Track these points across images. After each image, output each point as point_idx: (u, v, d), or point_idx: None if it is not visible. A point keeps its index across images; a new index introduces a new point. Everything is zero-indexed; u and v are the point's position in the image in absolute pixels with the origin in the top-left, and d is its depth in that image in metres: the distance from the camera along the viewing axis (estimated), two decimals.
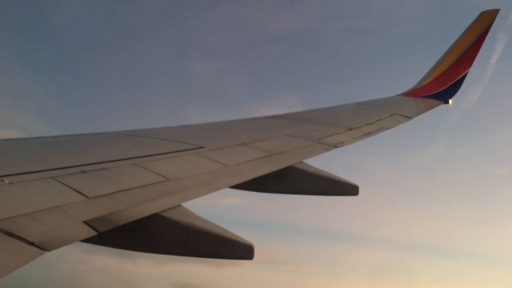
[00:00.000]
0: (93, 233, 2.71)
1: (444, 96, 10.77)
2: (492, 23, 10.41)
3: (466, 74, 10.85)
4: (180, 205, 3.44)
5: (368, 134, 7.12)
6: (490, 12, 10.48)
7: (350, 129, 7.08)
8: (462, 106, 20.37)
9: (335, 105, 9.47)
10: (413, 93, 11.05)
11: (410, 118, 8.71)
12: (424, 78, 11.39)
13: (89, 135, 5.25)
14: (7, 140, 4.62)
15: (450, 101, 10.75)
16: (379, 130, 7.50)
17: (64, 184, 3.16)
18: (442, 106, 10.65)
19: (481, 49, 10.63)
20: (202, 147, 4.80)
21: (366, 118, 7.97)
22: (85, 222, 2.74)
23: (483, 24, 10.49)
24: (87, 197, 3.04)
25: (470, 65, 10.80)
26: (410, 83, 11.66)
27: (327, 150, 5.90)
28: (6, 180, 3.01)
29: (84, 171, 3.52)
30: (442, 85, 10.91)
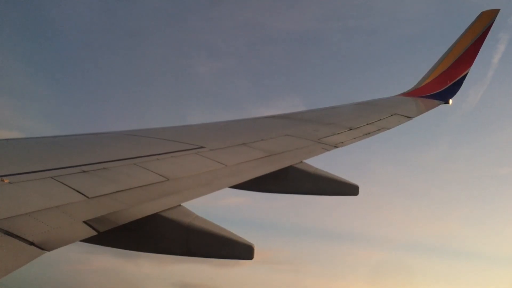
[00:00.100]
0: (93, 233, 2.71)
1: (444, 96, 10.77)
2: (493, 23, 10.41)
3: (466, 74, 10.84)
4: (180, 205, 3.44)
5: (368, 134, 7.12)
6: (490, 12, 10.47)
7: (350, 129, 7.07)
8: (464, 106, 20.40)
9: (335, 105, 9.47)
10: (413, 93, 11.05)
11: (410, 118, 8.70)
12: (424, 78, 11.39)
13: (89, 135, 5.25)
14: (7, 140, 4.62)
15: (450, 101, 10.75)
16: (379, 130, 7.50)
17: (64, 184, 3.16)
18: (443, 106, 10.66)
19: (482, 49, 10.63)
20: (202, 147, 4.80)
21: (366, 118, 7.97)
22: (85, 222, 2.74)
23: (484, 24, 10.49)
24: (87, 197, 3.04)
25: (470, 65, 10.80)
26: (410, 83, 11.67)
27: (327, 150, 5.89)
28: (6, 180, 3.01)
29: (84, 171, 3.52)
30: (442, 85, 10.90)
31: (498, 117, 24.13)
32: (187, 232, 3.24)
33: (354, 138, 6.69)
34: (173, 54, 30.02)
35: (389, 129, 7.76)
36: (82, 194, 3.07)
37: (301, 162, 5.20)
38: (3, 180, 3.00)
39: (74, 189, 3.11)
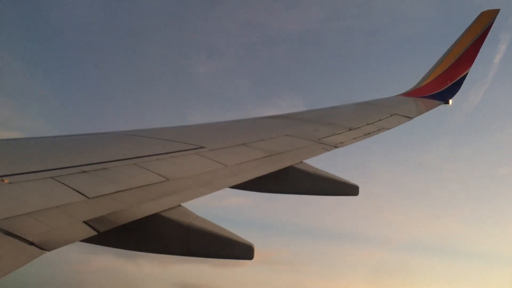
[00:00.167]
0: (93, 233, 2.71)
1: (444, 96, 10.77)
2: (493, 23, 10.41)
3: (466, 74, 10.85)
4: (180, 205, 3.44)
5: (368, 134, 7.12)
6: (490, 12, 10.48)
7: (350, 129, 7.08)
8: (465, 106, 20.38)
9: (335, 105, 9.47)
10: (413, 93, 11.05)
11: (410, 118, 8.71)
12: (424, 78, 11.39)
13: (89, 135, 5.25)
14: (7, 140, 4.62)
15: (450, 101, 10.76)
16: (379, 130, 7.50)
17: (64, 184, 3.16)
18: (443, 106, 10.66)
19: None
20: (202, 147, 4.80)
21: (366, 118, 7.97)
22: (85, 222, 2.74)
23: (484, 24, 10.49)
24: (87, 197, 3.04)
25: (470, 65, 10.80)
26: (410, 83, 11.68)
27: (327, 150, 5.90)
28: (6, 180, 3.01)
29: (84, 171, 3.52)
30: (442, 85, 10.91)
31: (499, 117, 24.12)
32: (187, 232, 3.24)
33: (354, 138, 6.69)
34: (173, 54, 30.03)
35: (389, 129, 7.77)
36: (82, 194, 3.07)
37: (301, 162, 5.20)
38: (3, 180, 3.00)
39: (74, 189, 3.11)
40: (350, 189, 5.02)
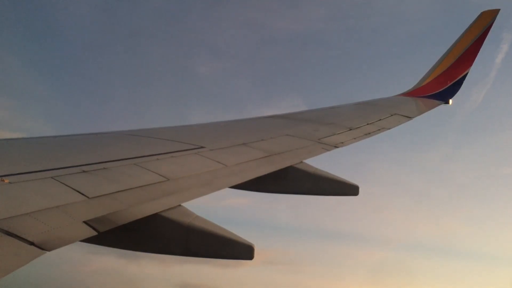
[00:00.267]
0: (93, 233, 2.71)
1: (444, 96, 10.77)
2: (493, 23, 10.41)
3: (467, 74, 10.85)
4: (180, 205, 3.44)
5: (368, 134, 7.12)
6: (491, 12, 10.47)
7: (350, 129, 7.07)
8: (467, 106, 20.37)
9: (335, 105, 9.47)
10: (413, 93, 11.05)
11: (411, 118, 8.71)
12: (424, 78, 11.39)
13: (89, 135, 5.25)
14: (7, 140, 4.62)
15: (451, 101, 10.76)
16: (379, 130, 7.50)
17: (64, 184, 3.16)
18: (443, 106, 10.66)
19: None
20: (202, 147, 4.80)
21: (366, 118, 7.97)
22: (85, 222, 2.74)
23: (484, 24, 10.49)
24: (87, 197, 3.05)
25: (470, 65, 10.80)
26: (410, 83, 11.68)
27: (327, 150, 5.89)
28: (6, 180, 3.01)
29: (84, 171, 3.52)
30: (442, 85, 10.91)
31: (501, 117, 24.09)
32: (187, 232, 3.24)
33: (354, 138, 6.70)
34: (174, 54, 30.03)
35: (389, 129, 7.77)
36: (82, 194, 3.07)
37: (301, 162, 5.21)
38: (3, 180, 3.00)
39: (74, 189, 3.11)
40: (350, 189, 5.02)
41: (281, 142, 5.83)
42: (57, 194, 2.99)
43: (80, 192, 3.08)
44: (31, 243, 2.36)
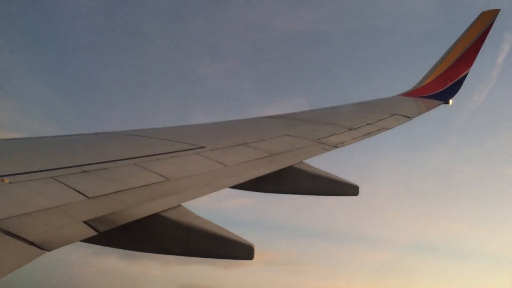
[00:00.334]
0: (93, 233, 2.71)
1: (444, 96, 10.78)
2: (493, 23, 10.42)
3: (467, 74, 10.85)
4: (180, 205, 3.44)
5: (368, 134, 7.13)
6: (491, 13, 10.48)
7: (350, 129, 7.08)
8: (469, 106, 20.35)
9: (335, 105, 9.47)
10: (413, 93, 11.06)
11: (411, 118, 8.71)
12: (424, 78, 11.40)
13: (89, 135, 5.25)
14: (7, 140, 4.62)
15: (451, 101, 10.76)
16: (379, 130, 7.50)
17: (65, 184, 3.16)
18: (444, 106, 10.67)
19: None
20: (202, 147, 4.80)
21: (366, 118, 7.98)
22: (85, 222, 2.74)
23: (484, 24, 10.50)
24: (87, 197, 3.05)
25: (471, 65, 10.81)
26: (410, 83, 11.68)
27: (327, 150, 5.90)
28: (6, 180, 3.02)
29: (84, 171, 3.52)
30: (443, 85, 10.91)
31: (503, 117, 24.04)
32: (187, 232, 3.25)
33: (354, 138, 6.70)
34: (179, 55, 29.98)
35: (389, 129, 7.77)
36: (82, 194, 3.07)
37: (301, 162, 5.21)
38: (3, 180, 3.00)
39: (74, 189, 3.11)
40: (350, 189, 5.03)
41: (281, 142, 5.83)
42: (57, 194, 2.99)
43: (80, 192, 3.08)
44: (31, 243, 2.36)
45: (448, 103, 10.71)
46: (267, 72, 29.69)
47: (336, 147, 6.12)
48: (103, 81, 27.39)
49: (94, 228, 2.73)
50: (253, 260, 3.26)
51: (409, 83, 11.64)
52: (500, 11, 10.43)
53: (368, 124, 7.65)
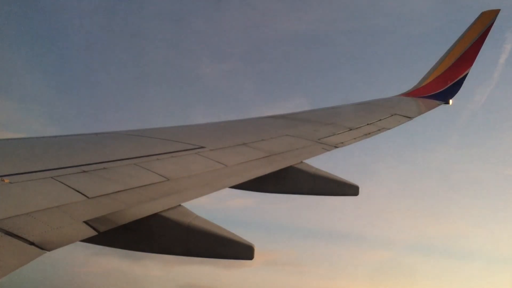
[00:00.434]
0: (93, 233, 2.71)
1: (444, 96, 10.78)
2: (493, 23, 10.42)
3: (467, 74, 10.85)
4: (180, 205, 3.44)
5: (368, 134, 7.13)
6: (491, 13, 10.48)
7: (351, 129, 7.08)
8: (470, 106, 20.33)
9: (335, 105, 9.47)
10: (413, 93, 11.06)
11: (411, 118, 8.71)
12: (424, 78, 11.40)
13: (89, 135, 5.25)
14: (7, 140, 4.62)
15: (451, 101, 10.76)
16: (379, 130, 7.50)
17: (65, 184, 3.16)
18: (445, 106, 10.67)
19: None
20: (202, 147, 4.80)
21: (366, 118, 7.98)
22: (85, 222, 2.74)
23: (484, 25, 10.49)
24: (88, 197, 3.05)
25: (471, 65, 10.81)
26: (410, 83, 11.68)
27: (328, 150, 5.90)
28: (6, 180, 3.02)
29: (84, 171, 3.52)
30: (443, 85, 10.91)
31: (505, 117, 24.00)
32: (187, 232, 3.25)
33: (354, 138, 6.70)
34: (178, 56, 29.97)
35: (389, 129, 7.77)
36: (82, 194, 3.07)
37: (301, 162, 5.21)
38: (3, 180, 3.00)
39: (74, 189, 3.11)
40: (350, 189, 5.03)
41: (281, 142, 5.83)
42: (57, 194, 2.99)
43: (80, 192, 3.08)
44: (31, 243, 2.36)
45: (448, 103, 10.71)
46: (267, 72, 29.70)
47: (336, 147, 6.12)
48: (103, 81, 27.39)
49: (94, 228, 2.73)
50: (253, 260, 3.26)
51: (409, 83, 11.66)
52: (501, 11, 10.43)
53: (368, 124, 7.65)
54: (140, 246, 3.37)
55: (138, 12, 28.77)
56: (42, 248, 2.35)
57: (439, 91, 10.87)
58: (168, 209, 3.31)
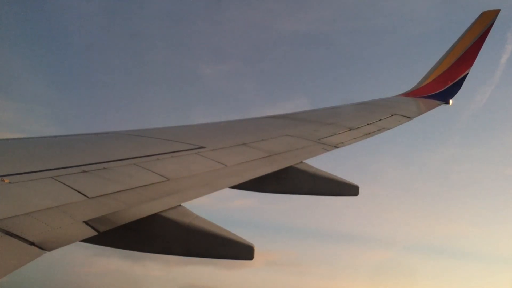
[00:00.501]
0: (94, 233, 2.71)
1: (444, 96, 10.78)
2: (493, 23, 10.42)
3: (467, 74, 10.85)
4: (180, 205, 3.44)
5: (368, 134, 7.13)
6: (491, 13, 10.48)
7: (351, 129, 7.08)
8: (472, 106, 20.31)
9: (335, 105, 9.47)
10: (413, 93, 11.06)
11: (411, 118, 8.71)
12: (424, 78, 11.40)
13: (89, 135, 5.25)
14: (7, 140, 4.62)
15: (451, 101, 10.76)
16: (379, 130, 7.50)
17: (65, 184, 3.16)
18: (445, 107, 10.67)
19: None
20: (202, 147, 4.80)
21: (367, 118, 7.98)
22: (85, 222, 2.74)
23: (484, 25, 10.50)
24: (88, 197, 3.05)
25: (471, 65, 10.81)
26: (410, 83, 11.68)
27: (328, 150, 5.90)
28: (6, 180, 3.02)
29: (84, 171, 3.52)
30: (443, 85, 10.91)
31: (506, 118, 23.96)
32: (187, 232, 3.25)
33: (355, 138, 6.70)
34: (178, 56, 29.94)
35: (389, 129, 7.77)
36: (83, 194, 3.07)
37: (301, 162, 5.21)
38: (3, 180, 3.00)
39: (75, 189, 3.11)
40: (350, 190, 5.03)
41: (281, 142, 5.83)
42: (57, 194, 2.99)
43: (80, 192, 3.08)
44: (31, 243, 2.36)
45: (448, 103, 10.71)
46: (268, 73, 29.69)
47: (336, 147, 6.12)
48: (103, 82, 27.39)
49: (94, 228, 2.73)
50: (253, 260, 3.26)
51: (409, 83, 11.66)
52: (502, 11, 10.43)
53: (368, 124, 7.65)
54: (140, 246, 3.38)
55: (139, 12, 28.78)
56: (42, 248, 2.35)
57: (439, 91, 10.87)
58: (168, 209, 3.31)
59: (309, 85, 28.47)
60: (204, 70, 29.83)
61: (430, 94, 10.87)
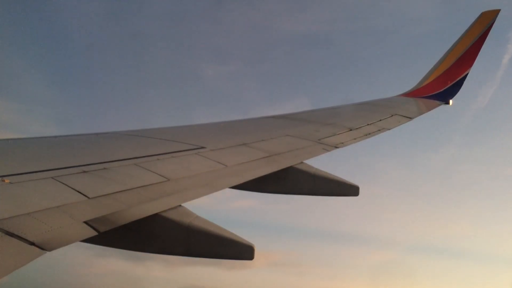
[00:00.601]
0: (94, 233, 2.71)
1: (444, 96, 10.78)
2: (493, 23, 10.41)
3: (467, 74, 10.85)
4: (180, 205, 3.44)
5: (368, 134, 7.12)
6: (491, 13, 10.48)
7: (351, 130, 7.07)
8: (473, 106, 20.31)
9: (335, 105, 9.47)
10: (413, 94, 11.06)
11: (411, 118, 8.71)
12: (424, 79, 11.40)
13: (89, 135, 5.25)
14: (7, 140, 4.62)
15: (451, 101, 10.76)
16: (379, 130, 7.50)
17: (65, 184, 3.16)
18: (446, 107, 10.66)
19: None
20: (202, 147, 4.80)
21: (367, 119, 7.98)
22: (85, 222, 2.74)
23: (484, 25, 10.49)
24: (88, 197, 3.05)
25: (471, 65, 10.81)
26: (410, 83, 11.68)
27: (328, 150, 5.90)
28: (7, 180, 3.01)
29: (84, 171, 3.52)
30: (443, 86, 10.91)
31: (507, 118, 23.95)
32: (187, 232, 3.25)
33: (355, 139, 6.70)
34: (180, 57, 29.93)
35: (389, 129, 7.77)
36: (83, 194, 3.07)
37: (302, 162, 5.21)
38: (3, 180, 3.00)
39: (75, 189, 3.11)
40: (350, 190, 5.02)
41: (281, 143, 5.83)
42: (58, 194, 2.99)
43: (80, 192, 3.08)
44: (32, 243, 2.36)
45: (448, 103, 10.71)
46: (268, 73, 29.70)
47: (336, 147, 6.12)
48: (104, 82, 27.39)
49: (94, 228, 2.73)
50: (253, 260, 3.26)
51: (409, 83, 11.66)
52: (503, 11, 10.43)
53: (368, 124, 7.65)
54: (141, 246, 3.38)
55: (139, 12, 28.77)
56: (42, 248, 2.35)
57: (439, 91, 10.87)
58: (169, 209, 3.31)
59: (309, 85, 28.48)
60: (204, 70, 29.84)
61: (430, 94, 10.87)
